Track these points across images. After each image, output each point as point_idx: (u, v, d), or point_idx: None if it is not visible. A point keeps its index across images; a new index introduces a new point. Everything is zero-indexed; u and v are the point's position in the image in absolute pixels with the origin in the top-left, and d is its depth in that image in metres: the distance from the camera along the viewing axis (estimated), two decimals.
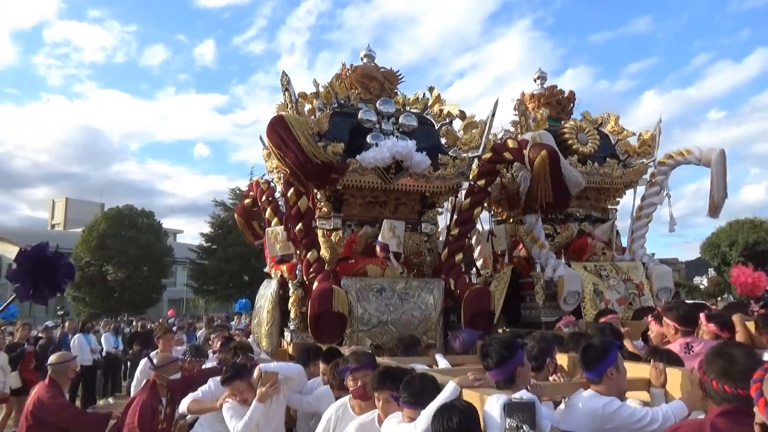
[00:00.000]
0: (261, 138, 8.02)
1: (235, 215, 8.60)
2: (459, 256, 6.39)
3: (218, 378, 4.44)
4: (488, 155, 6.34)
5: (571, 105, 7.97)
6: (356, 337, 5.60)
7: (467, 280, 6.45)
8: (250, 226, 8.63)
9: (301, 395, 4.29)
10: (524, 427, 2.22)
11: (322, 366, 4.33)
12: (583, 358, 3.08)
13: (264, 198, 7.60)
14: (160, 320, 18.36)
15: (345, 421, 3.54)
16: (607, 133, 7.65)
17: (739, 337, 4.02)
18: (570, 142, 7.24)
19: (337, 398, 3.90)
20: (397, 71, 7.13)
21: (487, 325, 5.82)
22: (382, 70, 7.07)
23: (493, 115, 6.55)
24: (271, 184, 7.80)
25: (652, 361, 3.36)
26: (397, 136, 6.26)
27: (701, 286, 40.34)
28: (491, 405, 2.29)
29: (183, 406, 4.31)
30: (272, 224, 7.49)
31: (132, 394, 5.38)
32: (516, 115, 7.59)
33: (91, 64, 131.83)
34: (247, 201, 8.32)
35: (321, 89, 6.59)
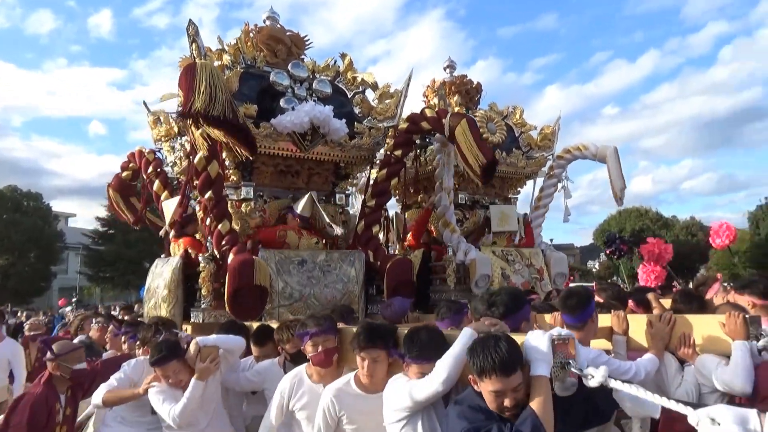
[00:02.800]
0: (144, 103, 7.24)
1: (109, 190, 7.55)
2: (376, 228, 6.23)
3: (135, 361, 3.86)
4: (405, 125, 6.23)
5: (479, 96, 8.17)
6: (277, 313, 5.18)
7: (386, 252, 6.30)
8: (128, 203, 7.67)
9: (237, 372, 3.84)
10: (570, 362, 2.13)
11: (254, 348, 3.93)
12: (567, 304, 3.08)
13: (151, 170, 6.78)
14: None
15: (303, 391, 3.24)
16: (512, 125, 7.95)
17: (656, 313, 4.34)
18: (481, 130, 7.39)
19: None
20: (305, 36, 6.74)
21: (410, 294, 5.72)
22: (288, 33, 6.64)
23: (408, 85, 6.47)
24: (157, 154, 6.99)
25: (612, 310, 3.48)
26: (314, 101, 5.90)
27: (593, 270, 43.84)
28: (536, 339, 2.15)
29: (96, 398, 3.62)
30: (162, 197, 6.73)
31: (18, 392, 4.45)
32: (425, 101, 7.59)
33: None
34: (125, 174, 7.35)
35: (226, 47, 6.01)
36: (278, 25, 6.60)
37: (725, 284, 5.70)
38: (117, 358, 4.32)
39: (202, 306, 5.18)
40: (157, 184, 6.75)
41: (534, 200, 7.99)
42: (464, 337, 2.44)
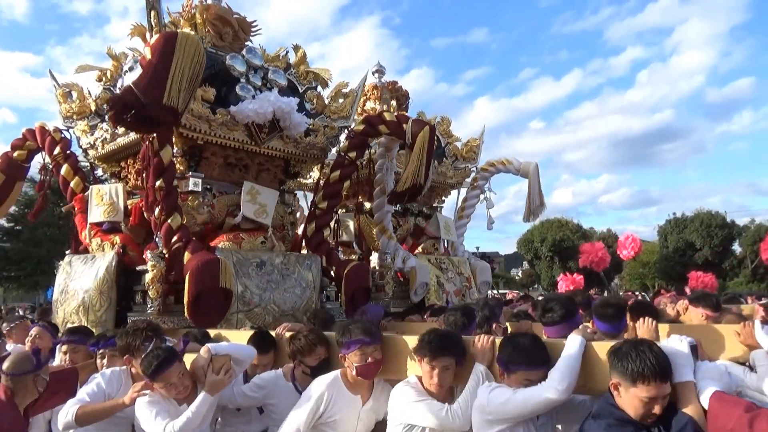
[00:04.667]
0: (50, 72, 6.26)
1: None
2: (327, 231, 5.94)
3: (110, 372, 3.27)
4: (361, 127, 6.04)
5: (407, 103, 8.22)
6: (235, 320, 4.69)
7: (339, 257, 6.03)
8: (9, 188, 6.47)
9: (232, 387, 3.39)
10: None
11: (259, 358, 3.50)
12: (604, 313, 3.17)
13: (58, 151, 5.81)
14: None
15: (341, 401, 2.99)
16: (439, 135, 8.09)
17: None
18: None
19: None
20: (253, 21, 6.25)
21: (365, 301, 5.53)
22: (235, 16, 6.11)
23: (363, 86, 6.32)
24: (64, 134, 6.01)
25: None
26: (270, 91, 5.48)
27: (516, 278, 44.73)
28: (677, 344, 2.17)
29: (67, 416, 2.94)
30: (71, 185, 5.81)
31: None
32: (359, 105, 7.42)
33: None
34: (18, 153, 6.19)
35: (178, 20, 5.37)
36: (225, 5, 6.06)
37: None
38: (66, 371, 3.57)
39: (148, 310, 4.51)
40: (66, 168, 5.82)
41: (458, 210, 8.23)
42: (575, 344, 2.39)
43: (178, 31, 4.41)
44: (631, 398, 2.07)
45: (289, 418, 2.97)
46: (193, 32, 5.29)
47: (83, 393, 3.10)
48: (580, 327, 2.61)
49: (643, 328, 3.33)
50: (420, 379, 2.78)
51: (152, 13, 4.66)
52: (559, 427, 2.62)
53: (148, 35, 4.72)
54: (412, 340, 2.93)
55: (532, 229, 40.30)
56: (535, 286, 41.62)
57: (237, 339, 3.68)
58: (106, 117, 4.84)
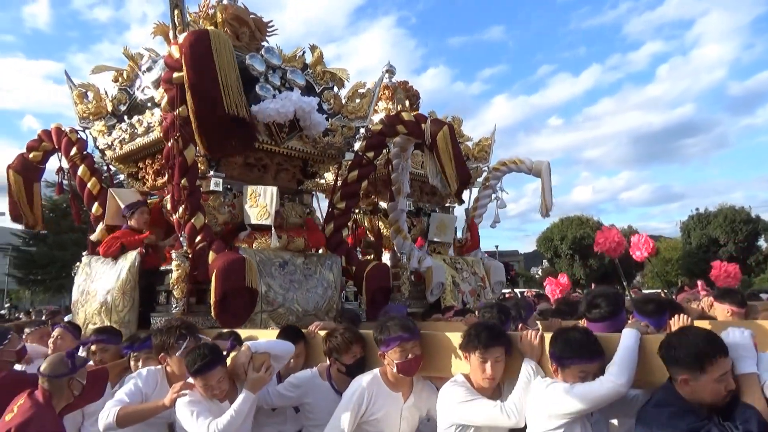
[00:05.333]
0: (66, 73, 6.25)
1: (9, 172, 6.23)
2: (345, 232, 5.92)
3: (147, 371, 3.23)
4: (379, 126, 6.04)
5: (417, 102, 8.22)
6: (259, 319, 4.67)
7: (358, 257, 6.01)
8: (29, 191, 6.43)
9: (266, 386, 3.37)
10: None
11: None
12: (645, 309, 3.15)
13: (75, 152, 5.78)
14: None
15: (382, 399, 2.98)
16: None
17: None
18: None
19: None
20: (269, 22, 6.24)
21: (386, 301, 5.51)
22: (252, 16, 6.10)
23: (380, 86, 6.31)
24: (80, 134, 5.98)
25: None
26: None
27: (536, 276, 43.98)
28: (739, 336, 2.16)
29: (108, 417, 2.91)
30: (89, 185, 5.76)
31: None
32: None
33: None
34: (33, 154, 6.16)
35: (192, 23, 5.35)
36: (241, 5, 6.05)
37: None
38: (96, 371, 3.53)
39: (173, 310, 4.47)
40: (82, 169, 5.77)
41: (470, 210, 8.21)
42: (632, 337, 2.38)
43: (208, 29, 4.37)
44: (704, 385, 2.06)
45: (332, 420, 2.95)
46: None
47: (122, 394, 3.06)
48: (632, 320, 2.60)
49: (678, 325, 3.34)
50: (466, 377, 2.76)
51: (176, 11, 4.66)
52: (615, 422, 2.61)
53: (171, 34, 4.70)
54: (453, 336, 2.92)
55: (551, 227, 39.84)
56: None
57: (268, 339, 3.66)
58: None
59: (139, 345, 3.52)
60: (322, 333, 3.48)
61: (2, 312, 16.36)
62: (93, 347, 3.80)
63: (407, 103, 7.64)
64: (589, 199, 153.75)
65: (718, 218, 36.01)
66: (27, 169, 6.24)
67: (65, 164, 5.94)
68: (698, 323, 3.49)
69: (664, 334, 2.59)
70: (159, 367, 3.28)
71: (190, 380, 2.99)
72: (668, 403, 2.11)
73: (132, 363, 3.52)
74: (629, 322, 2.61)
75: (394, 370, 2.93)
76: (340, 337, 3.24)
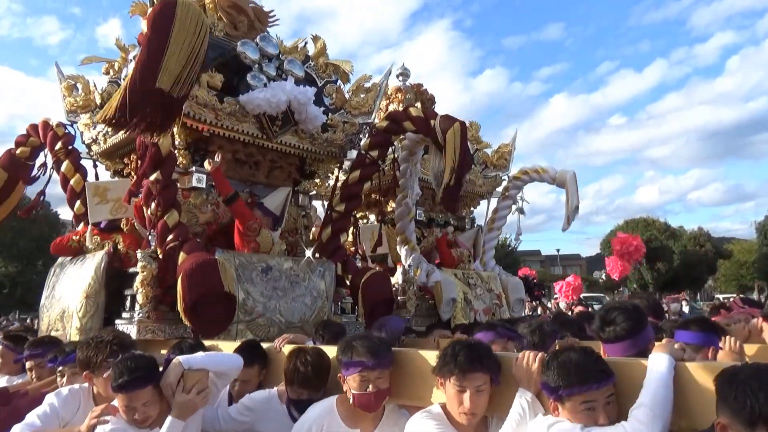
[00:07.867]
0: (57, 65, 5.93)
1: None
2: (344, 237, 5.37)
3: (67, 391, 2.70)
4: (384, 124, 5.49)
5: (433, 107, 7.67)
6: (235, 330, 4.12)
7: (356, 265, 5.44)
8: (13, 188, 6.09)
9: (216, 408, 2.81)
10: None
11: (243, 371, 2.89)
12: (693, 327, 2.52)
13: (60, 146, 5.41)
14: None
15: None
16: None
17: None
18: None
19: None
20: (271, 11, 5.82)
21: (388, 314, 4.91)
22: (251, 5, 5.69)
23: (387, 80, 5.80)
24: (67, 129, 5.62)
25: None
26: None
27: (600, 281, 42.23)
28: None
29: None
30: (72, 182, 5.38)
31: None
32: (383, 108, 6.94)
33: None
34: (21, 150, 5.82)
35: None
36: None
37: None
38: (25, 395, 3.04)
39: (136, 316, 3.97)
40: (66, 164, 5.40)
41: (488, 221, 7.58)
42: (663, 363, 1.73)
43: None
44: None
45: None
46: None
47: (33, 416, 2.55)
48: (664, 342, 1.94)
49: (725, 349, 2.64)
50: (444, 408, 2.15)
51: None
52: None
53: (148, 12, 4.29)
54: (431, 356, 2.32)
55: (615, 230, 38.03)
56: (621, 288, 39.09)
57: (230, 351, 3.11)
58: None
59: (63, 358, 2.99)
60: (287, 350, 2.91)
61: None
62: (28, 363, 3.30)
63: (419, 105, 7.09)
64: (656, 200, 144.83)
65: None
66: (14, 166, 5.89)
67: (50, 160, 5.59)
68: (750, 348, 2.82)
69: (712, 361, 1.94)
70: (85, 385, 2.76)
71: (116, 402, 2.46)
72: None
73: (58, 379, 3.00)
74: (659, 344, 1.95)
75: (351, 401, 2.34)
76: (308, 367, 2.62)
